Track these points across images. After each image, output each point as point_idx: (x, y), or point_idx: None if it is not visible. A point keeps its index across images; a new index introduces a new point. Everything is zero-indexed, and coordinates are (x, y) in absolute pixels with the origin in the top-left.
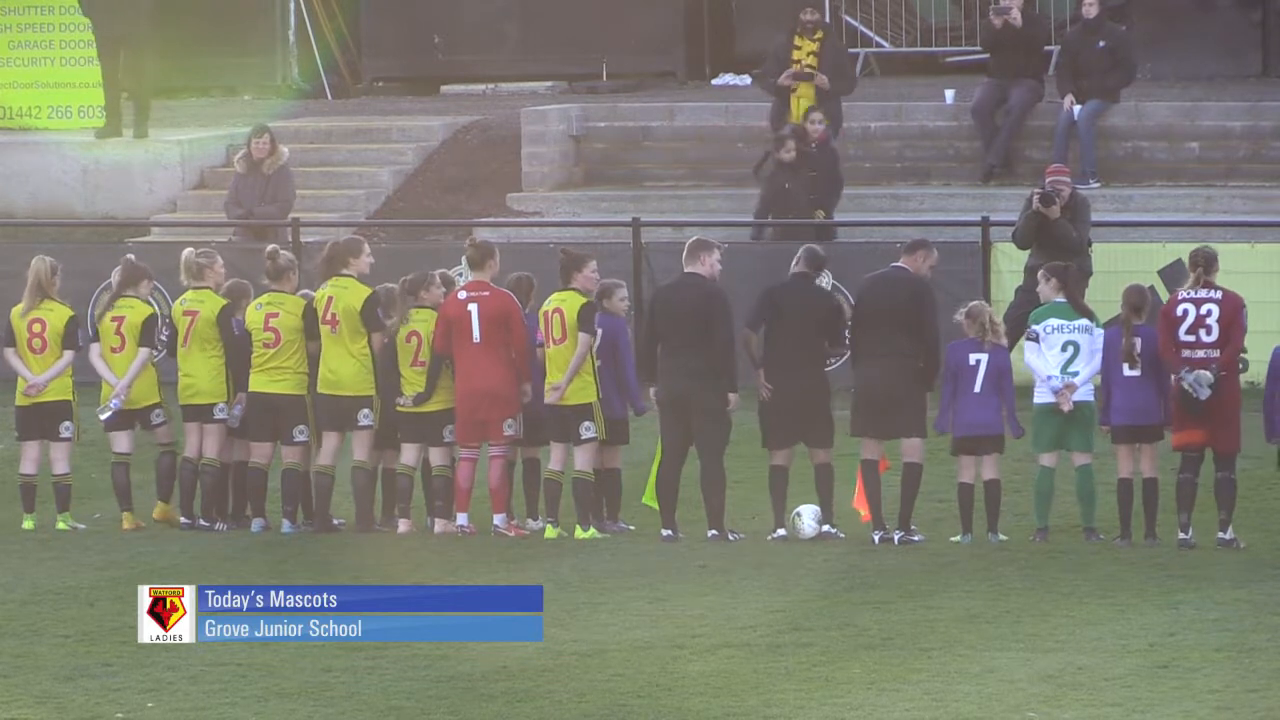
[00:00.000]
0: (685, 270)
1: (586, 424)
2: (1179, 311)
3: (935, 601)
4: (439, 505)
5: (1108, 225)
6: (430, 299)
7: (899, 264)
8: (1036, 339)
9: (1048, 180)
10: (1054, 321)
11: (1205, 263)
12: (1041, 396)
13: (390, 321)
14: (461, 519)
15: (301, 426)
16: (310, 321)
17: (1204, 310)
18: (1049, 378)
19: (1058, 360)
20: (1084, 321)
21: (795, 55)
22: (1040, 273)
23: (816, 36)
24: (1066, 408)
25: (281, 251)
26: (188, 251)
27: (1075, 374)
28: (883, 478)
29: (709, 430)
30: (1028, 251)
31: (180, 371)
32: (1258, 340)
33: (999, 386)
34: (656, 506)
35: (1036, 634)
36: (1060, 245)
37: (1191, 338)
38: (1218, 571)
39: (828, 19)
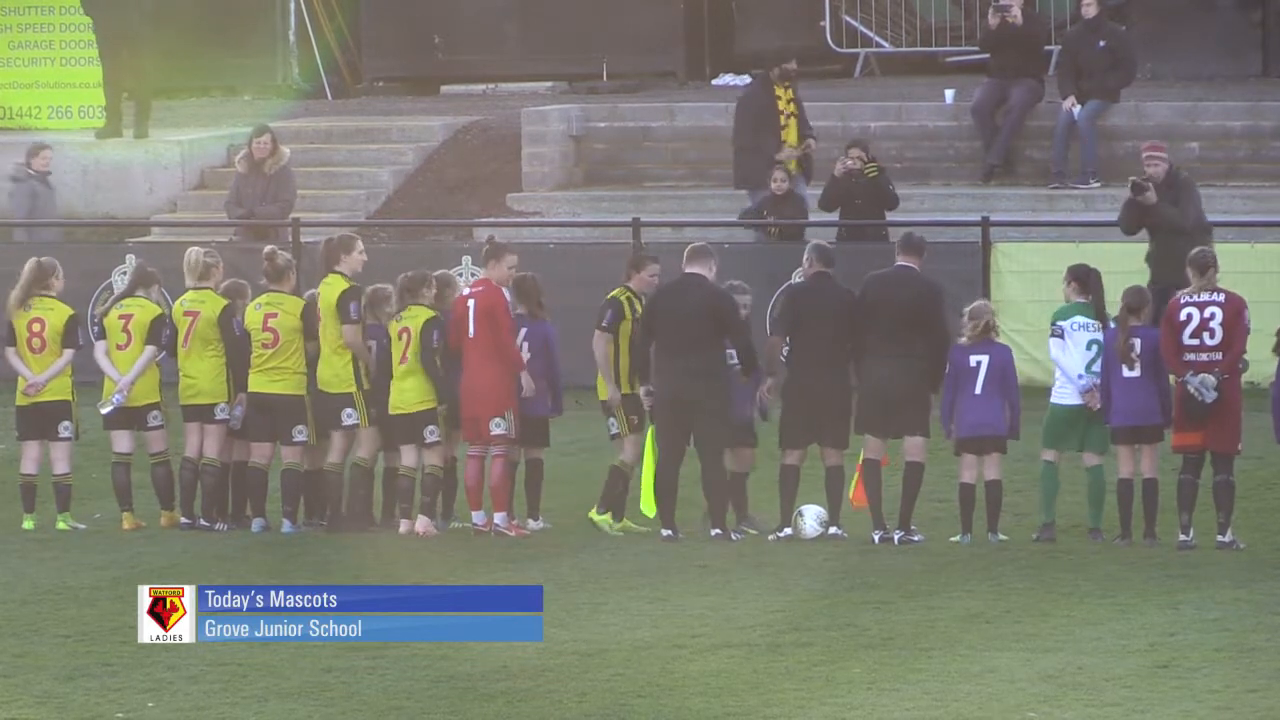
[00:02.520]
0: (687, 271)
1: (610, 420)
2: (1182, 315)
3: (935, 601)
4: (425, 502)
5: (1108, 225)
6: (426, 298)
7: (904, 263)
8: (1061, 335)
9: (1144, 157)
10: (1080, 319)
11: (1206, 266)
12: (1060, 396)
13: (387, 313)
14: (477, 517)
15: (300, 426)
16: (309, 321)
17: (1207, 313)
18: (1079, 376)
19: (1083, 359)
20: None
21: (779, 105)
22: (1066, 274)
23: (788, 84)
24: (1095, 405)
25: (280, 252)
26: (194, 250)
27: (1099, 373)
28: (884, 478)
29: (711, 430)
30: (1146, 244)
31: (181, 372)
32: (1257, 340)
33: (1002, 387)
34: (647, 513)
35: (1037, 634)
36: (1169, 228)
37: (1195, 341)
38: (1218, 571)
39: (826, 19)
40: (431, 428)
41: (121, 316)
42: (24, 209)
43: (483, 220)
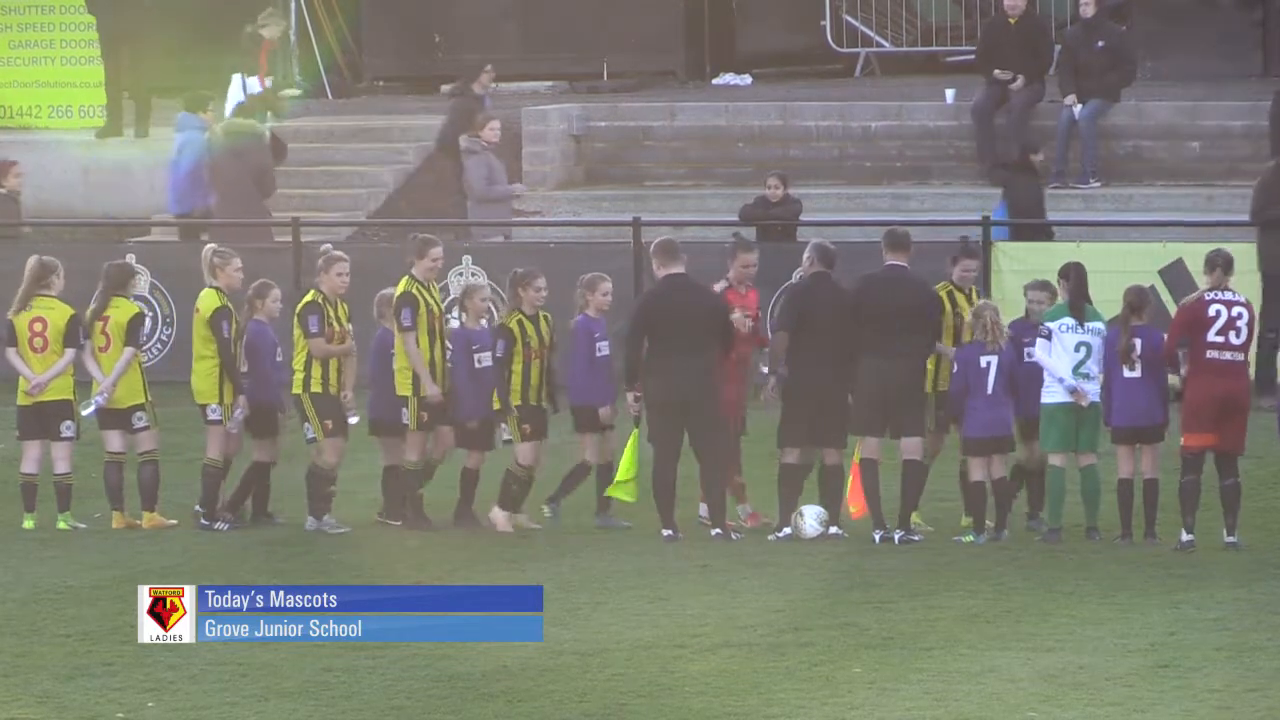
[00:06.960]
0: (671, 271)
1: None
2: (1211, 312)
3: (936, 601)
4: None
5: (1108, 225)
6: (530, 299)
7: (894, 262)
8: (1049, 336)
9: None
10: (1068, 321)
11: (1225, 264)
12: (1050, 396)
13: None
14: (743, 509)
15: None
16: (302, 321)
17: (1235, 312)
18: (1061, 379)
19: (1070, 361)
20: (1098, 324)
21: None
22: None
23: None
24: (1085, 402)
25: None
26: (207, 249)
27: (1088, 374)
28: (881, 478)
29: (711, 430)
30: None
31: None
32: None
33: (1010, 386)
34: (623, 498)
35: (1037, 633)
36: None
37: (1221, 339)
38: (1218, 571)
39: (827, 19)
40: (502, 426)
41: (99, 319)
42: (482, 180)
43: (483, 220)
